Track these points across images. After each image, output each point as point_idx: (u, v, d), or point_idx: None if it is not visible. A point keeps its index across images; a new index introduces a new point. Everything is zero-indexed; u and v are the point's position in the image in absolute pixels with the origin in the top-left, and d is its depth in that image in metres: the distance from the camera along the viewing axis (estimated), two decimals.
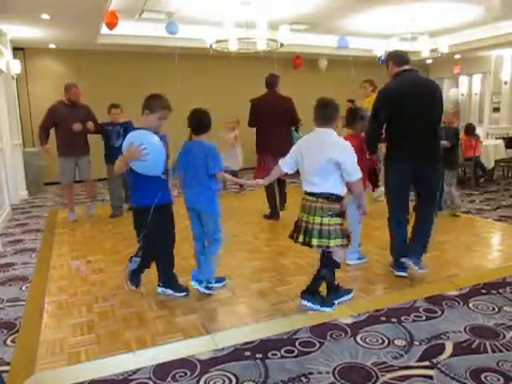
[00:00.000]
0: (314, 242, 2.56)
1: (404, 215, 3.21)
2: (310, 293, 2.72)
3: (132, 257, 2.99)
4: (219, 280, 3.11)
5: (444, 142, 4.70)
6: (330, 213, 2.54)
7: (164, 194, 2.80)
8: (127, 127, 4.59)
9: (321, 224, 2.55)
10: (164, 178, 2.82)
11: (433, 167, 3.13)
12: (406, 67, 3.11)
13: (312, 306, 2.69)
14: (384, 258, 3.68)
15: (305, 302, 2.71)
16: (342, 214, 2.61)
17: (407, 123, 3.03)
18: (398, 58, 3.16)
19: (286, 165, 2.79)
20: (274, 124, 4.82)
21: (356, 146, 3.12)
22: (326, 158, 2.52)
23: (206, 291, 2.95)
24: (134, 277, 3.00)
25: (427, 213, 3.23)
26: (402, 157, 3.08)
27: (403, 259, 3.17)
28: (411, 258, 3.13)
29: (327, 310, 2.68)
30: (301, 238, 2.63)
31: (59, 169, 5.28)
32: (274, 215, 5.08)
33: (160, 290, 3.03)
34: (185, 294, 2.96)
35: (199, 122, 2.91)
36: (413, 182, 3.17)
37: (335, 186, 2.57)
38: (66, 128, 5.04)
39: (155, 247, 2.91)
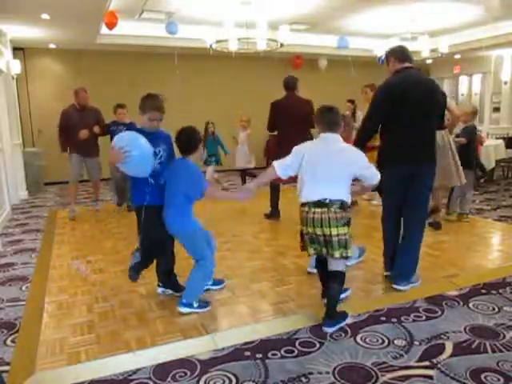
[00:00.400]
0: (337, 254, 2.40)
1: (400, 219, 3.10)
2: (331, 316, 2.48)
3: (135, 250, 2.88)
4: (217, 282, 3.08)
5: (461, 139, 4.66)
6: (344, 221, 2.42)
7: (154, 196, 2.71)
8: (131, 128, 4.64)
9: (338, 235, 2.39)
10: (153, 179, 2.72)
11: (431, 168, 3.02)
12: (408, 64, 2.99)
13: (337, 327, 2.47)
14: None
15: (328, 330, 2.44)
16: (350, 223, 2.48)
17: (407, 122, 2.90)
18: (400, 54, 3.02)
19: (282, 169, 2.58)
20: (295, 127, 4.61)
21: None
22: (339, 165, 2.45)
23: (188, 310, 2.69)
24: (133, 272, 2.86)
25: (416, 217, 3.03)
26: (402, 157, 2.95)
27: (388, 273, 3.14)
28: (399, 278, 2.99)
29: (347, 320, 2.54)
30: (324, 251, 2.46)
31: (69, 164, 5.49)
32: (274, 214, 5.07)
33: (160, 290, 3.03)
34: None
35: (187, 142, 2.70)
36: (408, 187, 3.02)
37: (346, 193, 2.47)
38: (75, 132, 5.30)
39: (153, 248, 2.84)
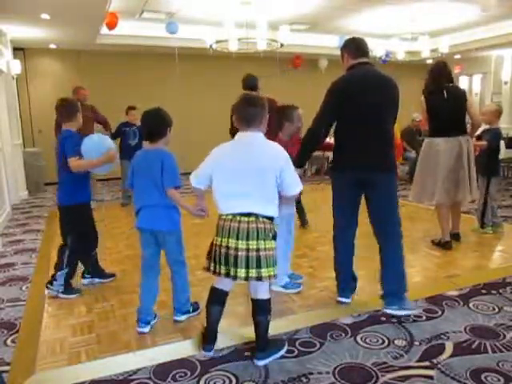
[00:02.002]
0: (252, 273, 2.01)
1: (350, 236, 2.80)
2: (263, 349, 2.16)
3: (53, 278, 3.01)
4: (196, 307, 2.72)
5: (482, 143, 4.23)
6: (271, 234, 2.07)
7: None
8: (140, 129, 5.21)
9: (257, 250, 2.01)
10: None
11: (385, 177, 2.60)
12: (363, 60, 2.64)
13: (272, 358, 2.16)
14: None
15: (261, 363, 2.12)
16: (275, 237, 2.12)
17: (356, 124, 2.59)
18: (353, 48, 2.67)
19: (196, 179, 2.16)
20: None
21: None
22: (260, 168, 2.03)
23: (184, 317, 2.63)
24: (69, 288, 3.05)
25: (383, 230, 2.67)
26: (347, 164, 2.64)
27: (341, 299, 2.81)
28: (389, 299, 2.65)
29: (283, 351, 2.22)
30: (233, 272, 2.03)
31: None
32: None
33: (86, 281, 3.24)
34: (113, 278, 3.33)
35: (153, 126, 2.45)
36: (365, 198, 2.71)
37: (274, 205, 2.10)
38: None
39: (87, 244, 3.16)
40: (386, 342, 2.31)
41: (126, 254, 3.97)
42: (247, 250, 2.00)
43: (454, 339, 2.32)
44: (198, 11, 6.77)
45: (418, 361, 2.13)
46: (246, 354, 2.22)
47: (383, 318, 2.58)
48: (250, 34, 6.01)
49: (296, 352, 2.23)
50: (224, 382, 2.00)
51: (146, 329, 2.50)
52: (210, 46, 6.36)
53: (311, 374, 2.04)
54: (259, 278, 2.02)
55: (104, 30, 6.75)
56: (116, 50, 8.38)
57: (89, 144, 2.87)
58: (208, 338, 2.23)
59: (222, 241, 2.06)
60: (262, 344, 2.16)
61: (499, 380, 1.96)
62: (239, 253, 2.01)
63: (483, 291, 2.93)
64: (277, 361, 2.15)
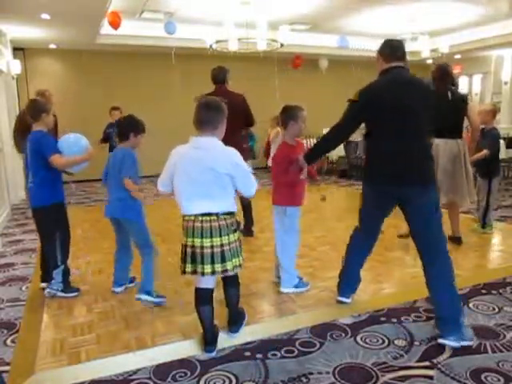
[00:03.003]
0: (218, 267, 2.14)
1: (368, 245, 2.70)
2: (237, 321, 2.45)
3: (49, 278, 3.03)
4: (160, 295, 2.92)
5: (484, 153, 4.15)
6: (233, 228, 2.19)
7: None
8: None
9: (221, 245, 2.13)
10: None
11: (421, 191, 2.37)
12: (396, 64, 2.50)
13: (242, 327, 2.47)
14: (385, 258, 3.68)
15: (237, 335, 2.39)
16: (238, 227, 2.28)
17: (384, 134, 2.45)
18: (388, 50, 2.54)
19: (161, 183, 2.28)
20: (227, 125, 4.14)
21: (283, 156, 2.90)
22: (214, 171, 2.09)
23: (148, 298, 2.85)
24: (68, 286, 3.08)
25: (433, 267, 2.36)
26: (377, 177, 2.49)
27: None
28: (445, 328, 2.30)
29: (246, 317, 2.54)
30: (200, 268, 2.14)
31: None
32: (250, 234, 4.63)
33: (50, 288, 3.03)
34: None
35: (120, 129, 2.99)
36: (402, 212, 2.51)
37: (231, 202, 2.19)
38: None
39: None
40: (386, 341, 2.31)
41: None
42: (212, 246, 2.13)
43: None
44: (197, 11, 6.77)
45: (418, 361, 2.12)
46: (246, 354, 2.22)
47: (383, 318, 2.58)
48: (250, 34, 6.01)
49: (296, 352, 2.23)
50: (224, 381, 2.00)
51: (119, 289, 3.06)
52: (210, 46, 6.36)
53: (311, 374, 2.04)
54: (225, 271, 2.17)
55: (104, 29, 6.76)
56: (116, 49, 8.38)
57: (67, 143, 2.98)
58: (207, 339, 2.25)
59: (187, 240, 2.17)
60: (235, 316, 2.40)
61: (499, 380, 1.96)
62: (204, 250, 2.13)
63: (483, 291, 2.93)
64: (277, 361, 2.15)
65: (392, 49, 2.54)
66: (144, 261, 2.90)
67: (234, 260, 2.19)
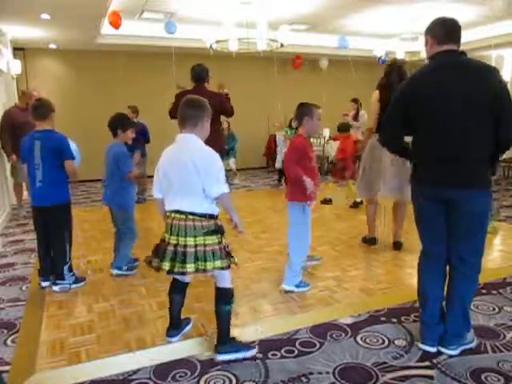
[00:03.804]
0: (190, 267, 2.07)
1: (434, 264, 2.24)
2: (223, 342, 2.20)
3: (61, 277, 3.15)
4: (131, 267, 3.45)
5: None
6: (204, 230, 2.09)
7: None
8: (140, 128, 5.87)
9: (195, 246, 2.08)
10: None
11: (469, 196, 2.05)
12: (448, 47, 2.10)
13: (234, 356, 2.17)
14: (384, 258, 3.68)
15: (222, 358, 2.16)
16: (218, 231, 2.13)
17: (431, 131, 2.12)
18: (438, 31, 2.13)
19: (155, 189, 2.24)
20: None
21: (299, 147, 2.94)
22: (185, 167, 2.06)
23: (119, 272, 3.37)
24: (76, 277, 3.26)
25: (460, 279, 2.17)
26: (424, 179, 2.19)
27: (423, 347, 2.23)
28: (446, 338, 2.19)
29: (249, 352, 2.22)
30: (167, 266, 2.11)
31: (18, 166, 5.18)
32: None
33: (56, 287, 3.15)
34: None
35: (109, 127, 3.38)
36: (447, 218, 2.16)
37: (204, 203, 2.09)
38: (21, 132, 4.69)
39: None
40: (386, 341, 2.31)
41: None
42: (175, 245, 2.11)
43: None
44: (198, 11, 6.76)
45: (418, 361, 2.13)
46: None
47: (383, 318, 2.58)
48: (250, 33, 6.01)
49: (296, 352, 2.23)
50: (224, 381, 2.00)
51: (115, 271, 3.39)
52: (210, 46, 6.36)
53: (311, 373, 2.04)
54: (182, 273, 2.13)
55: (104, 29, 6.75)
56: (116, 49, 8.38)
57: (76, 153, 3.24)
58: (171, 324, 2.39)
59: (163, 235, 2.21)
60: (222, 336, 2.20)
61: (499, 380, 1.96)
62: (168, 247, 2.13)
63: (483, 291, 2.93)
64: (277, 361, 2.15)
65: (446, 28, 2.14)
66: (121, 238, 3.41)
67: (199, 263, 2.07)
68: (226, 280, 2.19)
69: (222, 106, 4.19)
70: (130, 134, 3.39)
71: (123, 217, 3.38)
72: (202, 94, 4.27)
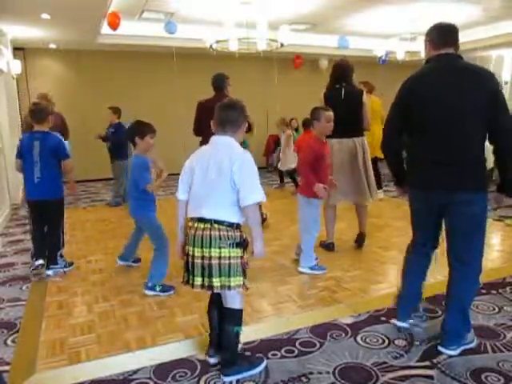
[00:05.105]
0: (216, 282, 1.94)
1: (424, 255, 2.40)
2: (232, 363, 2.05)
3: (53, 259, 3.49)
4: (166, 289, 3.01)
5: None
6: (230, 242, 1.94)
7: None
8: (118, 128, 6.09)
9: (219, 258, 1.93)
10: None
11: (465, 199, 2.09)
12: (444, 51, 2.14)
13: (243, 375, 2.03)
14: (384, 258, 3.68)
15: (229, 379, 2.01)
16: (242, 244, 1.99)
17: (425, 132, 2.16)
18: (436, 35, 2.17)
19: (180, 189, 2.11)
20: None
21: (313, 148, 3.21)
22: (218, 171, 1.94)
23: (149, 292, 2.99)
24: (67, 262, 3.62)
25: (460, 279, 2.20)
26: (417, 181, 2.25)
27: (398, 323, 2.45)
28: (446, 339, 2.22)
29: (258, 368, 2.08)
30: (199, 281, 1.97)
31: None
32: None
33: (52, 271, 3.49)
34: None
35: (128, 138, 3.24)
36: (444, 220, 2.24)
37: (233, 211, 1.95)
38: None
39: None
40: (386, 341, 2.31)
41: None
42: (202, 257, 1.94)
43: None
44: (198, 11, 6.76)
45: (418, 361, 2.13)
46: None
47: (383, 318, 2.58)
48: (250, 33, 6.01)
49: (296, 352, 2.23)
50: (224, 382, 2.00)
51: (120, 262, 3.52)
52: (210, 46, 6.36)
53: (311, 373, 2.04)
54: (210, 287, 1.96)
55: (104, 29, 6.75)
56: (116, 49, 8.38)
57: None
58: (210, 343, 2.18)
59: (187, 248, 2.02)
60: (227, 357, 2.05)
61: (499, 380, 1.96)
62: (195, 260, 1.96)
63: (483, 291, 2.93)
64: (277, 361, 2.15)
65: (441, 32, 2.17)
66: (154, 254, 3.08)
67: (223, 278, 1.93)
68: (237, 300, 2.03)
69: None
70: (150, 140, 3.04)
71: (149, 229, 3.12)
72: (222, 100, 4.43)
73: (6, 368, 2.17)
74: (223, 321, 2.06)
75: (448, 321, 2.22)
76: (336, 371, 2.05)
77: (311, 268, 3.30)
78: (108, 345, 2.36)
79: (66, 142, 3.89)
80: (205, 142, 4.48)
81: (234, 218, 1.96)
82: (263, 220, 4.76)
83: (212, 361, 2.13)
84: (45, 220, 3.47)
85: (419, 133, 2.19)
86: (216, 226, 1.93)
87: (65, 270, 3.53)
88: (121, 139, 6.13)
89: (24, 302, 2.96)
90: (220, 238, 1.92)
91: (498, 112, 2.03)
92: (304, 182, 3.35)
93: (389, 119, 2.32)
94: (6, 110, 6.37)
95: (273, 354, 2.21)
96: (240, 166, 1.91)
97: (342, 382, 1.97)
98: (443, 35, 2.16)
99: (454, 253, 2.20)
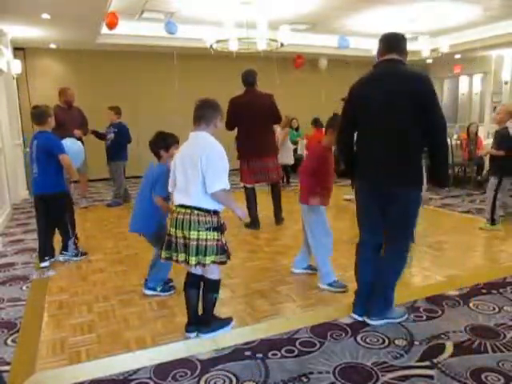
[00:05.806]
0: (192, 260, 2.22)
1: (369, 250, 2.55)
2: (208, 323, 2.41)
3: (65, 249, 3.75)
4: (167, 289, 3.02)
5: (499, 152, 4.32)
6: (207, 226, 2.23)
7: None
8: (120, 127, 6.18)
9: (197, 239, 2.21)
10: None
11: (402, 194, 2.33)
12: (389, 56, 2.36)
13: (217, 333, 2.40)
14: None
15: (207, 336, 2.38)
16: (219, 228, 2.27)
17: (366, 131, 2.40)
18: (381, 43, 2.43)
19: (169, 183, 2.45)
20: (256, 124, 4.51)
21: (321, 155, 3.04)
22: (193, 161, 2.21)
23: (149, 292, 2.99)
24: (79, 252, 3.82)
25: (386, 256, 2.49)
26: (360, 174, 2.49)
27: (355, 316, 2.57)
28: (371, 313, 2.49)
29: (229, 326, 2.47)
30: (182, 257, 2.27)
31: None
32: (255, 226, 4.70)
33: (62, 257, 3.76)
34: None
35: (152, 151, 3.01)
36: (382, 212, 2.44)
37: (209, 199, 2.23)
38: (64, 130, 5.04)
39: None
40: (386, 341, 2.31)
41: (126, 253, 3.97)
42: (183, 237, 2.24)
43: (454, 339, 2.32)
44: (198, 11, 6.76)
45: (418, 361, 2.13)
46: (246, 353, 2.22)
47: None
48: (250, 33, 6.01)
49: (296, 352, 2.23)
50: (224, 381, 2.00)
51: (146, 291, 3.05)
52: (211, 46, 6.36)
53: (311, 373, 2.04)
54: (188, 263, 2.26)
55: (104, 29, 6.75)
56: (116, 49, 8.38)
57: (73, 152, 3.77)
58: (189, 319, 2.42)
59: (169, 230, 2.33)
60: (206, 318, 2.39)
61: (499, 380, 1.96)
62: (178, 240, 2.26)
63: (483, 291, 2.93)
64: (277, 361, 2.15)
65: (386, 41, 2.43)
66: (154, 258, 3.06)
67: (200, 257, 2.22)
68: (215, 272, 2.36)
69: (272, 107, 4.61)
70: (175, 150, 2.84)
71: (153, 238, 2.99)
72: (254, 95, 4.67)
73: (6, 368, 2.17)
74: (207, 290, 2.38)
75: (373, 296, 2.49)
76: (336, 371, 2.05)
77: (329, 285, 3.03)
78: (108, 345, 2.36)
79: (72, 139, 4.15)
80: (241, 136, 4.71)
81: (210, 205, 2.24)
82: (281, 219, 4.89)
83: (192, 336, 2.39)
84: (49, 214, 3.66)
85: (360, 131, 2.46)
86: (195, 211, 2.22)
87: (75, 258, 3.75)
88: (123, 139, 6.14)
89: (24, 302, 2.96)
90: (198, 223, 2.21)
91: (427, 112, 2.23)
92: (304, 190, 3.09)
93: (340, 122, 2.58)
94: (6, 110, 6.38)
95: (273, 354, 2.21)
96: (207, 156, 2.18)
97: (342, 381, 1.97)
98: (387, 43, 2.41)
99: (390, 235, 2.46)
